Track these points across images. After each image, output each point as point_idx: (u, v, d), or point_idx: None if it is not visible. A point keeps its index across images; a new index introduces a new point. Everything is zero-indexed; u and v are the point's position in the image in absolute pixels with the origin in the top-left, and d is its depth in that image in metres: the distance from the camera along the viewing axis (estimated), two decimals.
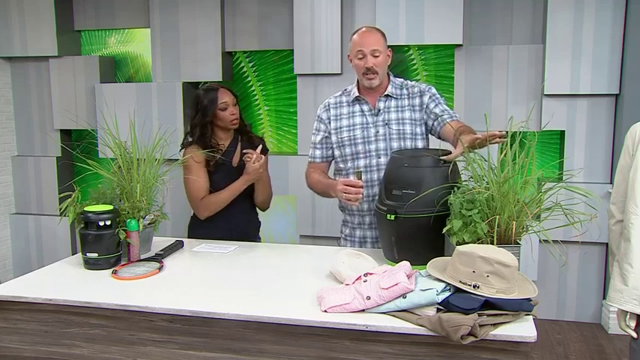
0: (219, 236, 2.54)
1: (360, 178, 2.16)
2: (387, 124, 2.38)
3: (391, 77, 2.45)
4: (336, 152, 2.47)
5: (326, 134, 2.48)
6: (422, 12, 3.75)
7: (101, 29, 4.58)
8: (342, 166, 2.47)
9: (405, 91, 2.43)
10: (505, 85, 3.86)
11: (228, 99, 2.59)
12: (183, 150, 2.64)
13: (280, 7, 4.15)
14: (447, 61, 4.03)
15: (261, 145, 2.56)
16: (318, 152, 2.52)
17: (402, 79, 2.48)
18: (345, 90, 2.50)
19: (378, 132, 2.38)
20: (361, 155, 2.40)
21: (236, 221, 2.63)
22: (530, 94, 3.83)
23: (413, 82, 2.47)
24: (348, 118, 2.43)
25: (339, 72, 3.97)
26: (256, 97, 4.40)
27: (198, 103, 2.60)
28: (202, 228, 2.63)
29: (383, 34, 2.40)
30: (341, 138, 2.44)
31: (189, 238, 2.64)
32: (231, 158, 2.65)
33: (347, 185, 2.15)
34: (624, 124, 3.48)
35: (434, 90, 2.44)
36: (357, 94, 2.42)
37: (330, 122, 2.47)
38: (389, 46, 2.40)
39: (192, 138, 2.62)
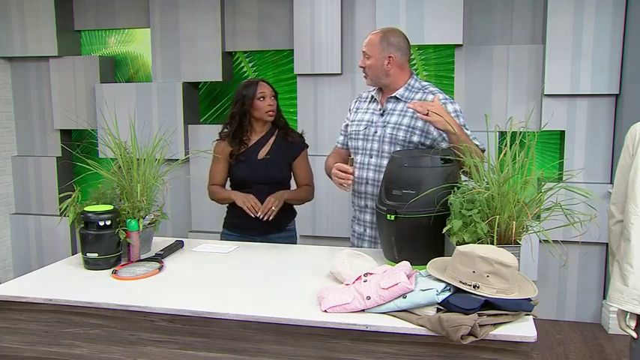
0: (253, 221, 2.55)
1: (352, 165, 2.30)
2: (385, 126, 2.38)
3: (411, 80, 2.40)
4: (348, 143, 2.54)
5: (348, 123, 2.56)
6: (422, 12, 3.75)
7: (101, 29, 4.58)
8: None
9: (417, 96, 2.36)
10: (505, 85, 3.86)
11: (266, 90, 2.69)
12: (215, 141, 2.77)
13: (280, 7, 4.15)
14: (447, 61, 4.03)
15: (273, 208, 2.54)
16: (341, 138, 2.62)
17: (426, 83, 2.42)
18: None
19: (376, 132, 2.39)
20: (359, 151, 2.44)
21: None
22: (530, 94, 3.83)
23: (434, 89, 2.39)
24: (362, 113, 2.49)
25: (339, 72, 3.97)
26: None
27: (239, 94, 2.70)
28: (236, 217, 2.69)
29: (385, 38, 2.34)
30: (350, 131, 2.51)
31: (223, 224, 2.81)
32: (257, 151, 2.69)
33: (339, 170, 2.27)
34: (624, 124, 3.48)
35: (452, 107, 2.30)
36: (373, 91, 2.48)
37: (352, 113, 2.56)
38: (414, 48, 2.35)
39: (229, 128, 2.72)
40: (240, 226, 2.70)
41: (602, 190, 3.65)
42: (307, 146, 2.81)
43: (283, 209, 2.62)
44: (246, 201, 2.55)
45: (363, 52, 2.39)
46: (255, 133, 2.73)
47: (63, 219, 2.17)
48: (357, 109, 2.53)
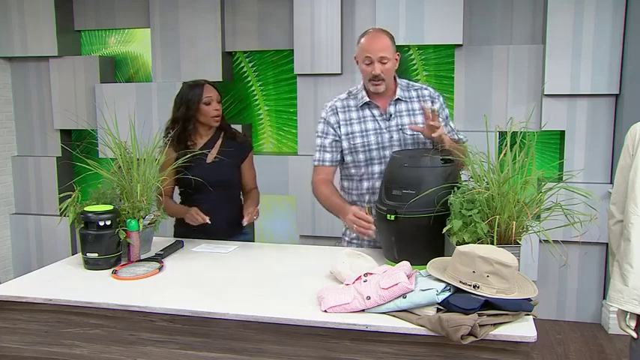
0: (206, 227, 2.51)
1: (370, 213, 2.12)
2: (400, 129, 2.33)
3: (397, 79, 2.40)
4: (348, 158, 2.38)
5: (336, 138, 2.39)
6: (422, 12, 3.75)
7: (101, 29, 4.58)
8: (353, 171, 2.40)
9: (413, 94, 2.38)
10: (505, 85, 3.86)
11: (212, 94, 2.61)
12: (162, 147, 2.62)
13: (280, 7, 4.15)
14: (447, 61, 4.03)
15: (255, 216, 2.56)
16: (327, 155, 2.41)
17: (406, 81, 2.43)
18: (350, 92, 2.42)
19: (392, 137, 2.33)
20: (375, 161, 2.34)
21: (221, 215, 2.59)
22: (530, 94, 3.83)
23: (419, 85, 2.42)
24: (360, 123, 2.35)
25: (339, 72, 3.97)
26: (256, 97, 4.40)
27: (183, 97, 2.61)
28: (186, 225, 2.61)
29: (391, 38, 2.32)
30: (354, 144, 2.35)
31: (174, 234, 2.70)
32: (205, 155, 2.64)
33: (360, 219, 2.10)
34: (624, 124, 3.48)
35: (442, 99, 2.44)
36: (366, 98, 2.34)
37: (339, 127, 2.38)
38: (397, 47, 2.33)
39: (171, 132, 2.62)
40: (194, 232, 2.57)
41: (602, 190, 3.65)
42: (253, 148, 2.80)
43: (237, 214, 2.58)
44: (194, 220, 2.48)
45: (381, 57, 2.24)
46: (201, 137, 2.67)
47: (63, 219, 2.17)
48: (347, 120, 2.37)
